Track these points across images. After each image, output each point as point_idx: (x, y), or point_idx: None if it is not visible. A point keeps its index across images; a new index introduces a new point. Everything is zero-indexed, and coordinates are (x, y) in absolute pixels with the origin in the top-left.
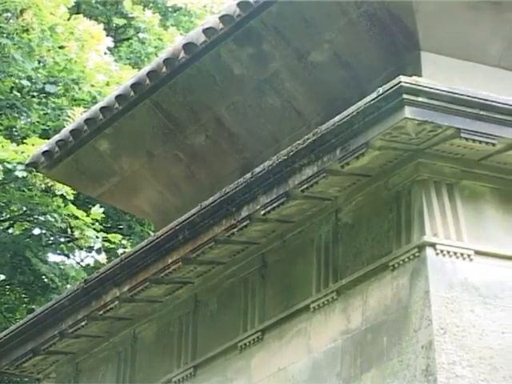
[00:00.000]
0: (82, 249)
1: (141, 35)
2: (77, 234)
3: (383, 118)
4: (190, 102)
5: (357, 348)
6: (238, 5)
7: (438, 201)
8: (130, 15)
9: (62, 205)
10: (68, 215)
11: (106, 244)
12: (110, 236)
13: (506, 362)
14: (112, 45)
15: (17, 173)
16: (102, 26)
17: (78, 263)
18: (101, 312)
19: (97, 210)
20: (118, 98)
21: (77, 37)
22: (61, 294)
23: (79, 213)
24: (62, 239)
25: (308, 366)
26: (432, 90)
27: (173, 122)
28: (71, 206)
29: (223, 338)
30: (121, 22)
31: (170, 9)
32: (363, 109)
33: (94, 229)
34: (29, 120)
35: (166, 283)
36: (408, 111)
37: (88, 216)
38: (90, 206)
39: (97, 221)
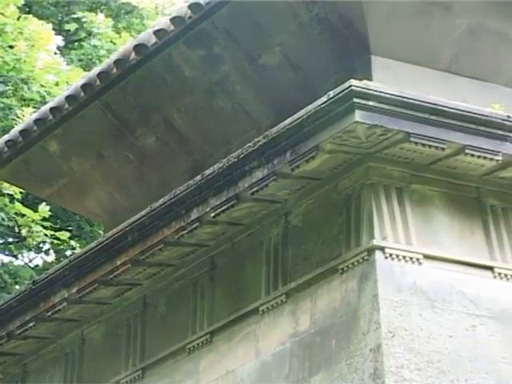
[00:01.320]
0: (30, 249)
1: (92, 41)
2: (24, 232)
3: (333, 122)
4: (140, 104)
5: (305, 351)
6: (190, 7)
7: (387, 205)
8: (83, 19)
9: (10, 204)
10: (16, 213)
11: (55, 242)
12: (58, 234)
13: (454, 366)
14: (62, 44)
15: None
16: (51, 25)
17: (27, 264)
18: (49, 313)
19: (43, 208)
20: (68, 98)
21: (26, 36)
22: (10, 293)
23: (26, 211)
24: (11, 239)
25: (256, 369)
26: (382, 94)
27: (123, 123)
28: (17, 204)
29: (172, 340)
30: (72, 27)
31: (122, 11)
32: (314, 112)
33: (43, 226)
34: None
35: (114, 285)
36: (358, 115)
37: (35, 212)
38: (38, 206)
39: (46, 220)
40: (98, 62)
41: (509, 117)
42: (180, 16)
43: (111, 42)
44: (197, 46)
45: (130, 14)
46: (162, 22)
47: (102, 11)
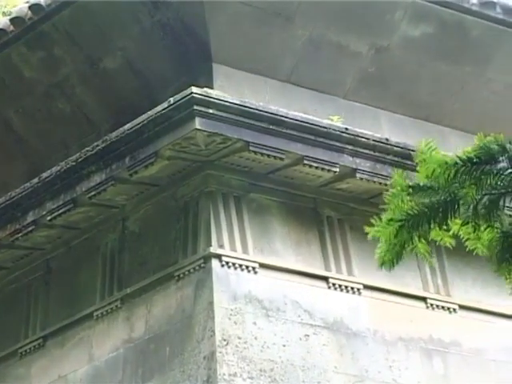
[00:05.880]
0: None
1: None
2: None
3: (173, 128)
4: None
5: (139, 357)
6: (30, 8)
7: (225, 213)
8: None
9: None
10: None
11: None
12: None
13: (286, 375)
14: None
15: None
16: None
17: None
18: None
19: None
20: None
21: None
22: None
23: None
24: None
25: (89, 374)
26: (223, 103)
27: None
28: None
29: (3, 345)
30: None
31: None
32: (153, 118)
33: None
34: None
35: None
36: (198, 122)
37: None
38: None
39: None
40: None
41: (347, 129)
42: (20, 17)
43: None
44: (37, 47)
45: None
46: (2, 22)
47: None
